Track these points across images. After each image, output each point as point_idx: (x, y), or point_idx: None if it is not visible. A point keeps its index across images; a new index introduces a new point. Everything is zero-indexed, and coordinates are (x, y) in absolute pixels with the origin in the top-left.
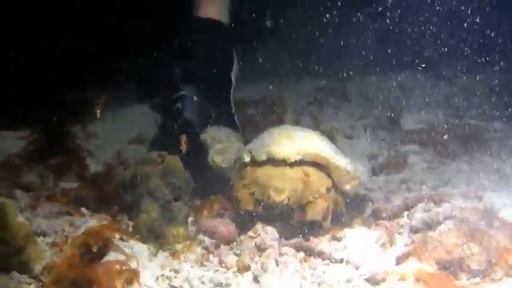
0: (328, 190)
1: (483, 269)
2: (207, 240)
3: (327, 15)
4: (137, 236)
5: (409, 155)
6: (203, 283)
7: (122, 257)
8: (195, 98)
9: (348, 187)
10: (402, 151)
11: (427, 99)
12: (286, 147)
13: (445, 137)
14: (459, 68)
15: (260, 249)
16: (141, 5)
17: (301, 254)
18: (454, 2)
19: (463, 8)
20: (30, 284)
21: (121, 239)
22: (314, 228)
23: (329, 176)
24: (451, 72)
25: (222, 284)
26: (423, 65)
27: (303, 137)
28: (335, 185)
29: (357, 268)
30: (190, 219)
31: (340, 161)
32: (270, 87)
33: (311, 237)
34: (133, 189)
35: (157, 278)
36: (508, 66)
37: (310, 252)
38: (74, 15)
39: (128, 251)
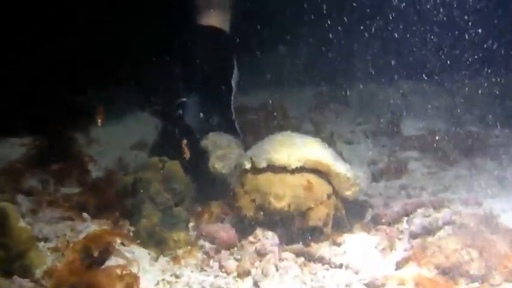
0: (329, 197)
1: (482, 274)
2: (208, 245)
3: (330, 24)
4: (138, 241)
5: (409, 161)
6: None
7: (122, 262)
8: (196, 104)
9: (348, 193)
10: (402, 157)
11: (427, 106)
12: (286, 154)
13: (445, 142)
14: (460, 75)
15: (260, 254)
16: (143, 11)
17: (301, 259)
18: (456, 11)
19: (465, 16)
20: None
21: (122, 244)
22: (314, 234)
23: (329, 182)
24: (452, 79)
25: None
26: (425, 73)
27: (304, 143)
28: (335, 192)
29: (356, 273)
30: (191, 224)
31: (340, 167)
32: (271, 94)
33: (311, 243)
34: (135, 194)
35: (158, 282)
36: (510, 74)
37: (310, 258)
38: (76, 21)
39: (128, 256)
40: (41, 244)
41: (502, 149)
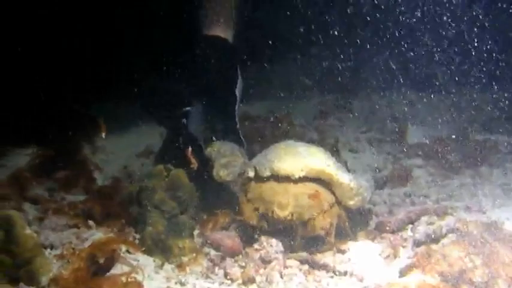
0: (332, 206)
1: (485, 282)
2: (213, 253)
3: (336, 34)
4: (143, 249)
5: (413, 169)
6: None
7: (128, 269)
8: (200, 113)
9: (351, 203)
10: (407, 165)
11: (433, 115)
12: (290, 164)
13: (450, 150)
14: (465, 84)
15: (265, 261)
16: (148, 21)
17: (306, 267)
18: (461, 21)
19: (470, 25)
20: None
21: (127, 251)
22: (317, 243)
23: (332, 192)
24: (457, 88)
25: None
26: (432, 84)
27: (307, 153)
28: (338, 201)
29: (360, 280)
30: (196, 232)
31: (343, 177)
32: (277, 103)
33: (315, 251)
34: (140, 202)
35: None
36: None
37: (314, 265)
38: (82, 31)
39: (134, 263)
40: (47, 251)
41: (506, 157)
